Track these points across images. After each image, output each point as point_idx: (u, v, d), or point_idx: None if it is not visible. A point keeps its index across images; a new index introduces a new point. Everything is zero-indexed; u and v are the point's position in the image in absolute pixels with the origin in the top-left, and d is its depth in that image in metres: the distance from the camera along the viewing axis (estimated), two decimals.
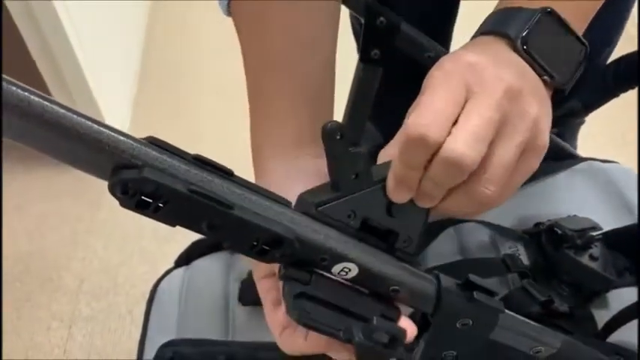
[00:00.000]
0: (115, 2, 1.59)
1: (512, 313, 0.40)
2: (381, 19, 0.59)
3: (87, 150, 0.27)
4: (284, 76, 0.41)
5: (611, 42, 0.77)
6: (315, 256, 0.33)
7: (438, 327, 0.37)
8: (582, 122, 0.85)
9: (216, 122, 1.60)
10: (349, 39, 0.83)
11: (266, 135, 0.41)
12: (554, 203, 0.63)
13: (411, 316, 0.37)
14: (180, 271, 0.66)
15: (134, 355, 0.60)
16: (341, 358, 0.36)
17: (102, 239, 1.37)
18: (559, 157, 0.69)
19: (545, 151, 0.35)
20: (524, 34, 0.35)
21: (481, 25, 0.39)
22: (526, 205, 0.62)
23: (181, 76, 1.75)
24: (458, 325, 0.37)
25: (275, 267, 0.36)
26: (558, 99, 0.37)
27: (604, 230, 0.57)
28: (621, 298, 0.54)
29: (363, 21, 0.60)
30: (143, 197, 0.28)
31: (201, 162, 0.30)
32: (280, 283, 0.34)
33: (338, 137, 0.31)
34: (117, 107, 1.57)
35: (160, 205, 0.28)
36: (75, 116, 0.27)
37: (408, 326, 0.35)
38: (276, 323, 0.38)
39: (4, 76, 0.25)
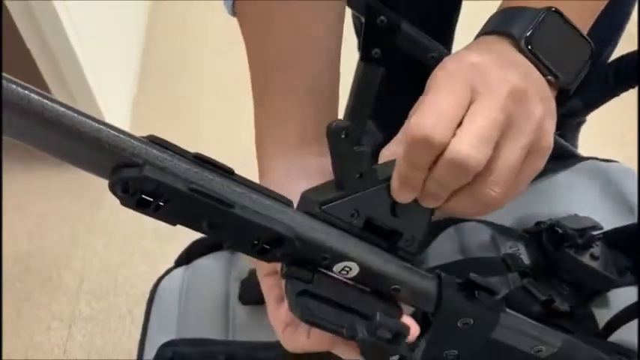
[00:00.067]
0: (115, 2, 1.59)
1: (513, 313, 0.40)
2: (382, 18, 0.59)
3: (87, 148, 0.27)
4: (288, 75, 0.41)
5: (612, 41, 0.77)
6: (315, 255, 0.33)
7: (439, 326, 0.37)
8: (583, 122, 0.85)
9: (216, 122, 1.60)
10: (349, 38, 0.83)
11: (269, 133, 0.41)
12: (555, 202, 0.63)
13: (412, 316, 0.37)
14: (180, 270, 0.66)
15: (134, 354, 0.60)
16: (343, 355, 0.36)
17: (102, 239, 1.37)
18: (560, 156, 0.69)
19: (550, 152, 0.34)
20: (528, 34, 0.35)
21: (485, 25, 0.39)
22: (527, 205, 0.62)
23: (181, 76, 1.76)
24: (459, 325, 0.37)
25: (278, 265, 0.36)
26: (562, 99, 0.37)
27: (605, 229, 0.57)
28: (622, 297, 0.54)
29: (363, 20, 0.60)
30: (144, 196, 0.28)
31: (202, 161, 0.30)
32: (283, 281, 0.34)
33: (343, 136, 0.31)
34: (117, 107, 1.57)
35: (161, 203, 0.28)
36: (75, 114, 0.27)
37: (411, 325, 0.35)
38: (279, 321, 0.38)
39: (4, 74, 0.25)
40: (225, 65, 1.70)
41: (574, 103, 0.64)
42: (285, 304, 0.37)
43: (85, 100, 1.38)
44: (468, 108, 0.32)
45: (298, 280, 0.33)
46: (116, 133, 0.28)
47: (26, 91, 0.25)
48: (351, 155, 0.32)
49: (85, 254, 1.34)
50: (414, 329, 0.35)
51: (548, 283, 0.54)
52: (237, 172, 0.32)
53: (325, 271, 0.34)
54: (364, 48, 0.61)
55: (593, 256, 0.54)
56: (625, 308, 0.53)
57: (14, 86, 0.25)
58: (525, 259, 0.57)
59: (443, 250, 0.61)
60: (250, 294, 0.59)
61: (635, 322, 0.51)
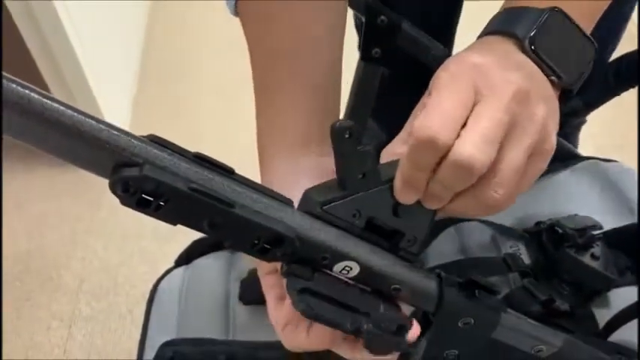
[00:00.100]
0: (115, 2, 1.59)
1: (513, 312, 0.40)
2: (382, 17, 0.59)
3: (87, 148, 0.27)
4: (289, 75, 0.41)
5: (612, 42, 0.77)
6: (316, 254, 0.33)
7: (439, 326, 0.37)
8: (583, 122, 0.85)
9: (215, 122, 1.60)
10: (350, 37, 0.83)
11: (270, 132, 0.41)
12: (555, 202, 0.63)
13: (413, 315, 0.37)
14: (180, 270, 0.66)
15: (134, 354, 0.60)
16: (344, 353, 0.36)
17: (102, 239, 1.37)
18: (560, 156, 0.69)
19: (553, 153, 0.34)
20: (532, 34, 0.35)
21: (487, 25, 0.38)
22: (527, 204, 0.62)
23: (181, 76, 1.75)
24: (460, 324, 0.37)
25: (279, 263, 0.36)
26: (564, 99, 0.37)
27: (605, 229, 0.57)
28: (622, 297, 0.54)
29: (363, 20, 0.60)
30: (144, 195, 0.28)
31: (202, 160, 0.30)
32: (284, 280, 0.34)
33: (347, 136, 0.31)
34: (117, 107, 1.57)
35: (161, 203, 0.28)
36: (75, 114, 0.27)
37: (412, 325, 0.35)
38: (279, 319, 0.38)
39: (4, 73, 0.25)
40: (225, 65, 1.70)
41: (574, 103, 0.64)
42: (286, 303, 0.37)
43: (85, 100, 1.38)
44: (472, 109, 0.31)
45: (298, 278, 0.33)
46: (116, 133, 0.28)
47: (26, 91, 0.25)
48: (355, 155, 0.32)
49: (85, 254, 1.34)
50: (415, 329, 0.35)
51: (548, 283, 0.54)
52: (237, 171, 0.32)
53: (326, 270, 0.34)
54: (364, 47, 0.60)
55: (593, 256, 0.54)
56: (625, 308, 0.53)
57: (14, 85, 0.25)
58: (526, 258, 0.57)
59: (443, 249, 0.61)
60: (250, 294, 0.59)
61: (635, 322, 0.51)
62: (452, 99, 0.31)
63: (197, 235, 0.59)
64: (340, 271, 0.34)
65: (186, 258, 0.67)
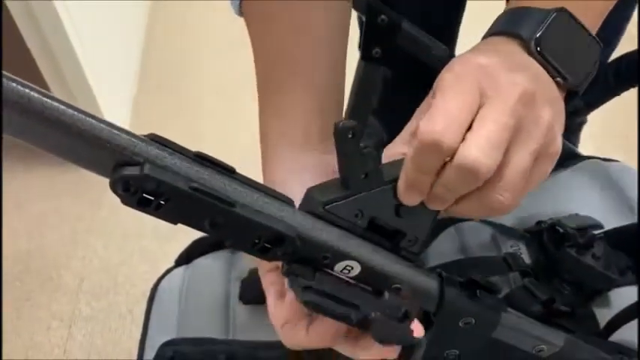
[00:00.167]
0: (115, 2, 1.58)
1: (514, 312, 0.39)
2: (382, 17, 0.59)
3: (88, 147, 0.27)
4: (291, 75, 0.41)
5: (613, 42, 0.77)
6: (317, 254, 0.33)
7: (440, 326, 0.37)
8: (585, 121, 0.85)
9: (216, 122, 1.60)
10: (350, 37, 0.83)
11: (273, 130, 0.41)
12: (556, 202, 0.63)
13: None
14: (180, 269, 0.66)
15: (134, 354, 0.60)
16: (344, 351, 0.36)
17: (102, 238, 1.37)
18: (561, 156, 0.69)
19: (558, 156, 0.34)
20: (537, 35, 0.34)
21: (492, 25, 0.38)
22: (528, 204, 0.62)
23: (181, 76, 1.75)
24: (460, 324, 0.37)
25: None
26: (569, 100, 0.37)
27: (606, 229, 0.57)
28: (623, 296, 0.54)
29: (364, 19, 0.60)
30: (145, 195, 0.28)
31: (203, 159, 0.30)
32: (285, 278, 0.34)
33: (350, 136, 0.31)
34: (117, 107, 1.57)
35: (162, 202, 0.28)
36: (76, 113, 0.27)
37: (414, 325, 0.35)
38: (278, 317, 0.38)
39: (4, 72, 0.25)
40: (225, 65, 1.70)
41: (576, 103, 0.64)
42: (286, 300, 0.37)
43: (85, 100, 1.38)
44: (477, 111, 0.31)
45: (300, 277, 0.33)
46: (117, 132, 0.28)
47: (26, 90, 0.25)
48: (358, 155, 0.32)
49: (85, 254, 1.34)
50: (418, 329, 0.35)
51: (549, 283, 0.54)
52: (237, 171, 0.32)
53: (326, 270, 0.34)
54: (365, 47, 0.60)
55: (594, 256, 0.54)
56: (626, 308, 0.53)
57: (14, 84, 0.25)
58: (526, 258, 0.57)
59: (443, 249, 0.61)
60: (250, 293, 0.59)
61: (636, 322, 0.51)
62: (457, 101, 0.31)
63: (197, 234, 0.59)
64: (341, 271, 0.34)
65: (186, 257, 0.67)
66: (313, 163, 0.39)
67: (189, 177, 0.29)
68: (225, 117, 1.60)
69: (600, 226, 0.57)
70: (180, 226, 0.30)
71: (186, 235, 0.54)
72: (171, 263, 0.68)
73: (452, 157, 0.30)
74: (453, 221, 0.63)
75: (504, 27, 0.37)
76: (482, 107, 0.31)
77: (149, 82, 1.74)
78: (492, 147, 0.30)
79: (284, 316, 0.38)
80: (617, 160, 0.69)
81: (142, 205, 0.28)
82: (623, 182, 0.65)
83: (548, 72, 0.35)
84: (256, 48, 0.42)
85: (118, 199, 0.28)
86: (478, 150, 0.30)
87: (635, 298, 0.53)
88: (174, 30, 1.91)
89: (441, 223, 0.63)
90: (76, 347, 1.19)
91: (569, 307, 0.52)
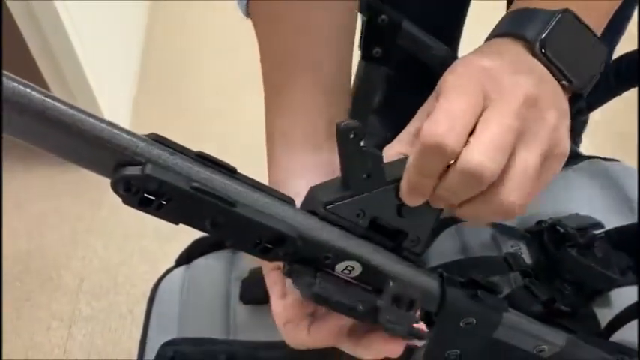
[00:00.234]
0: (115, 2, 1.58)
1: (515, 312, 0.39)
2: (383, 16, 0.59)
3: (89, 147, 0.27)
4: (296, 75, 0.41)
5: (613, 43, 0.77)
6: (318, 254, 0.33)
7: (441, 326, 0.37)
8: (586, 122, 0.85)
9: (216, 122, 1.59)
10: None
11: (278, 129, 0.41)
12: (556, 202, 0.63)
13: None
14: (180, 269, 0.66)
15: (134, 354, 0.60)
16: (347, 349, 0.36)
17: (102, 238, 1.37)
18: None
19: (566, 158, 0.33)
20: (542, 37, 0.34)
21: (496, 27, 0.38)
22: (528, 204, 0.62)
23: (181, 76, 1.75)
24: (461, 324, 0.37)
25: None
26: (574, 101, 0.36)
27: (606, 228, 0.57)
28: (624, 296, 0.54)
29: (364, 19, 0.60)
30: (146, 195, 0.28)
31: (204, 159, 0.30)
32: (288, 279, 0.34)
33: (352, 136, 0.31)
34: (117, 107, 1.57)
35: (163, 202, 0.28)
36: (76, 112, 0.27)
37: (419, 327, 0.35)
38: (281, 315, 0.38)
39: (4, 72, 0.25)
40: (225, 65, 1.70)
41: (580, 103, 0.64)
42: (287, 300, 0.37)
43: (85, 100, 1.38)
44: (481, 114, 0.31)
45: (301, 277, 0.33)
46: (118, 132, 0.28)
47: (27, 89, 0.25)
48: (360, 155, 0.32)
49: (85, 254, 1.34)
50: (421, 329, 0.35)
51: (549, 283, 0.54)
52: (238, 171, 0.32)
53: (328, 270, 0.34)
54: (365, 47, 0.60)
55: (594, 256, 0.54)
56: (627, 308, 0.53)
57: (15, 84, 0.25)
58: (527, 258, 0.57)
59: (444, 249, 0.61)
60: (251, 293, 0.59)
61: (636, 322, 0.51)
62: (460, 103, 0.30)
63: (198, 234, 0.59)
64: (342, 271, 0.34)
65: (186, 257, 0.67)
66: (317, 163, 0.39)
67: (191, 177, 0.29)
68: (225, 117, 1.60)
69: (601, 226, 0.57)
70: (180, 225, 0.30)
71: (187, 235, 0.54)
72: (172, 263, 0.68)
73: (455, 161, 0.30)
74: (453, 221, 0.63)
75: (508, 28, 0.36)
76: (485, 110, 0.31)
77: (149, 82, 1.74)
78: (496, 150, 0.30)
79: (286, 315, 0.38)
80: (617, 160, 0.69)
81: (144, 205, 0.28)
82: (623, 182, 0.65)
83: (553, 74, 0.34)
84: (263, 48, 0.42)
85: (118, 199, 0.28)
86: (481, 154, 0.29)
87: (635, 298, 0.53)
88: (174, 30, 1.91)
89: (442, 223, 0.63)
90: (76, 347, 1.19)
91: (570, 307, 0.52)
